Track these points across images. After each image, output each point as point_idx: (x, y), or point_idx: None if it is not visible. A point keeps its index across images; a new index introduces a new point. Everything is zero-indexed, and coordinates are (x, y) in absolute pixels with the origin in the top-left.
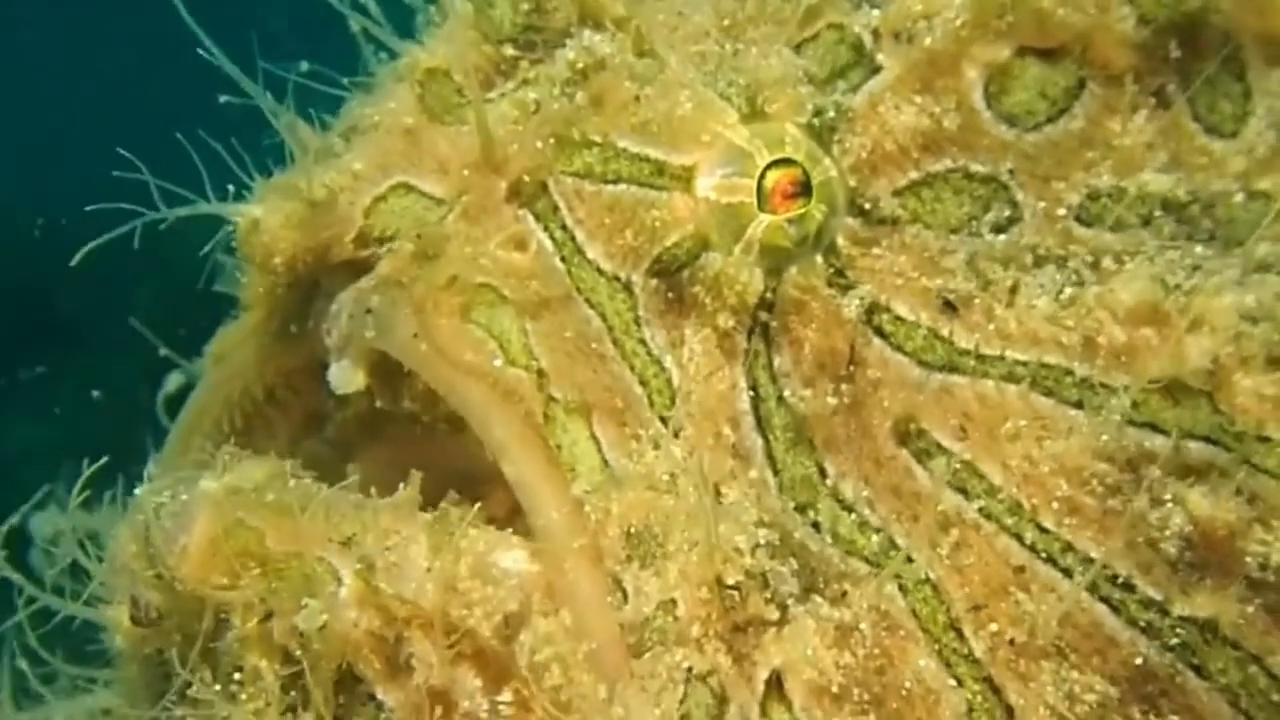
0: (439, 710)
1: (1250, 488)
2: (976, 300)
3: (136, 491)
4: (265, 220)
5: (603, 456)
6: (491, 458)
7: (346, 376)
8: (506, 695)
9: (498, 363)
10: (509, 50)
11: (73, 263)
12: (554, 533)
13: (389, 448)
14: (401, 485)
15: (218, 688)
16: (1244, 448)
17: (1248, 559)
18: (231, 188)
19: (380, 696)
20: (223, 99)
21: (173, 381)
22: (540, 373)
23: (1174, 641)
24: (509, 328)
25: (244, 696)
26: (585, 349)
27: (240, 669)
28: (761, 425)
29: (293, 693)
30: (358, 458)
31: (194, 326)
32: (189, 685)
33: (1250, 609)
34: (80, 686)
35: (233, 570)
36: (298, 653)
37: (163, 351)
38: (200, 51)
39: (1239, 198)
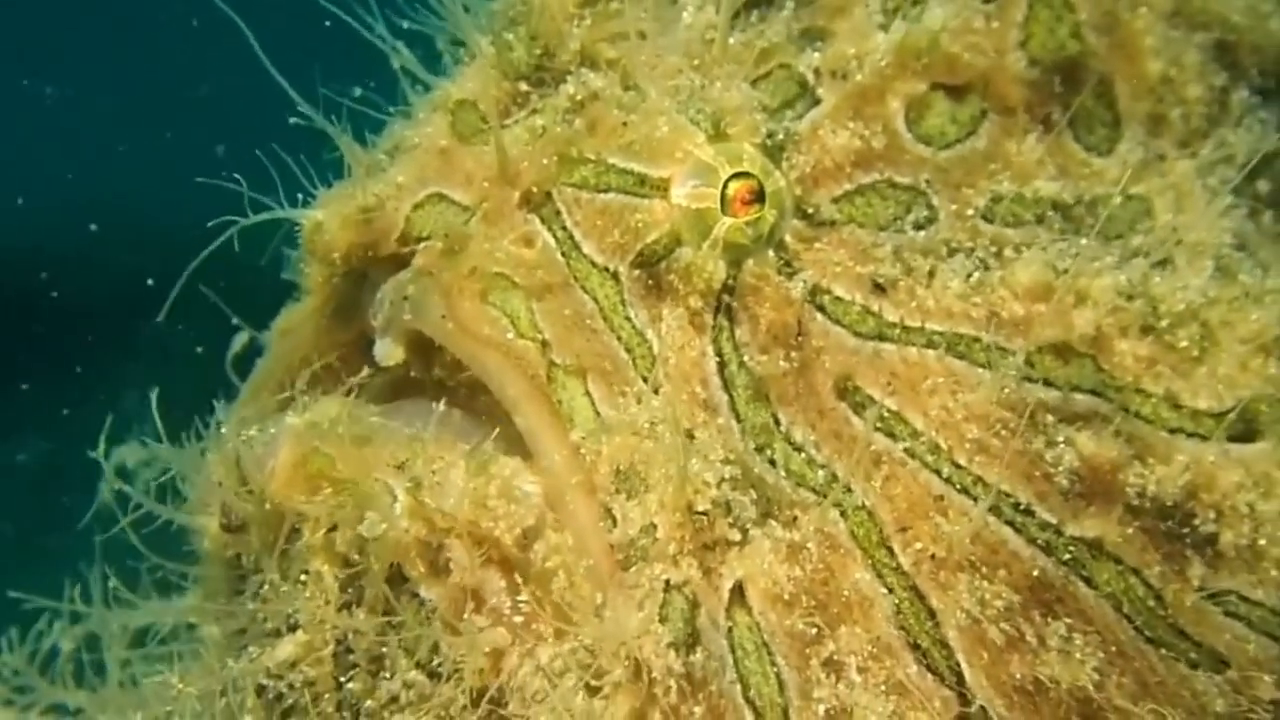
0: (471, 605)
1: (1128, 431)
2: (901, 283)
3: (213, 430)
4: (327, 222)
5: (595, 409)
6: (504, 412)
7: (388, 351)
8: (525, 596)
9: (510, 336)
10: (523, 85)
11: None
12: (556, 471)
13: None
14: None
15: (286, 587)
16: (1123, 398)
17: (1127, 489)
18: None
19: (423, 594)
20: (291, 121)
21: (238, 342)
22: (544, 343)
23: (1066, 557)
24: (519, 308)
25: (308, 595)
26: (581, 324)
27: (306, 572)
28: (726, 385)
29: (349, 591)
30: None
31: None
32: (262, 584)
33: (1130, 530)
34: (171, 582)
35: (310, 488)
36: (356, 557)
37: (234, 320)
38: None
39: (1118, 200)
